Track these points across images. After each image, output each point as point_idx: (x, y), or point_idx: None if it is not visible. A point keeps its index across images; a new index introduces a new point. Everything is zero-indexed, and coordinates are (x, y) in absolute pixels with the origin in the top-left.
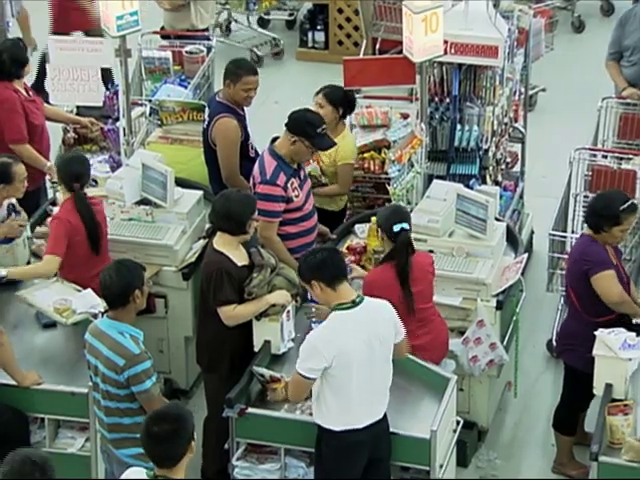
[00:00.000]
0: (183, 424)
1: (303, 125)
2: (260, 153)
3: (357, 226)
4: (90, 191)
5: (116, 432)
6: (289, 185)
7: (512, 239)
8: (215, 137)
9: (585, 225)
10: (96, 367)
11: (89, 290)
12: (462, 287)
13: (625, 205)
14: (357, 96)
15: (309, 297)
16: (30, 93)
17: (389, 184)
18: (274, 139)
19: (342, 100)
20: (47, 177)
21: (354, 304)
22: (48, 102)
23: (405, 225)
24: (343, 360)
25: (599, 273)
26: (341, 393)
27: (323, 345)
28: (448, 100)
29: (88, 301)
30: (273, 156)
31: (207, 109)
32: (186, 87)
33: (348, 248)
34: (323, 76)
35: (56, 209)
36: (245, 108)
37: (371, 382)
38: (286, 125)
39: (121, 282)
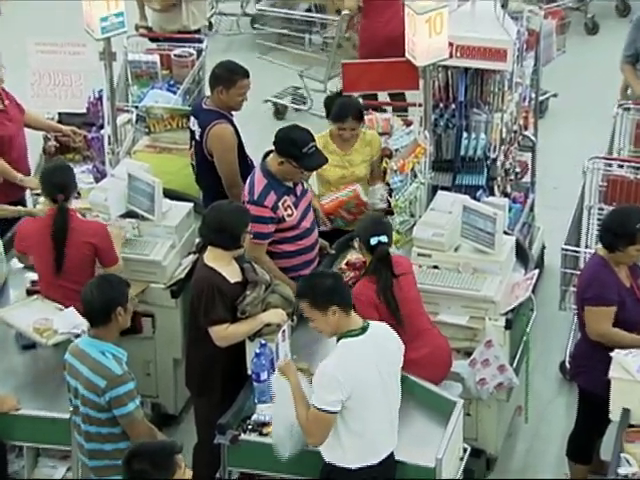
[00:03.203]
0: (164, 466)
1: (287, 145)
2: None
3: (356, 240)
4: (72, 203)
5: (97, 459)
6: (280, 204)
7: (522, 254)
8: (212, 146)
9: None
10: (76, 389)
11: (71, 309)
12: (469, 305)
13: None
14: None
15: None
16: (5, 103)
17: (391, 195)
18: (267, 153)
19: None
20: (28, 189)
21: (363, 330)
22: None
23: (383, 238)
24: (360, 390)
25: (594, 307)
26: (358, 426)
27: (342, 375)
28: (454, 106)
29: (70, 320)
30: (264, 174)
31: (193, 119)
32: (175, 92)
33: (347, 264)
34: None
35: None
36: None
37: (387, 409)
38: (273, 144)
39: (103, 298)
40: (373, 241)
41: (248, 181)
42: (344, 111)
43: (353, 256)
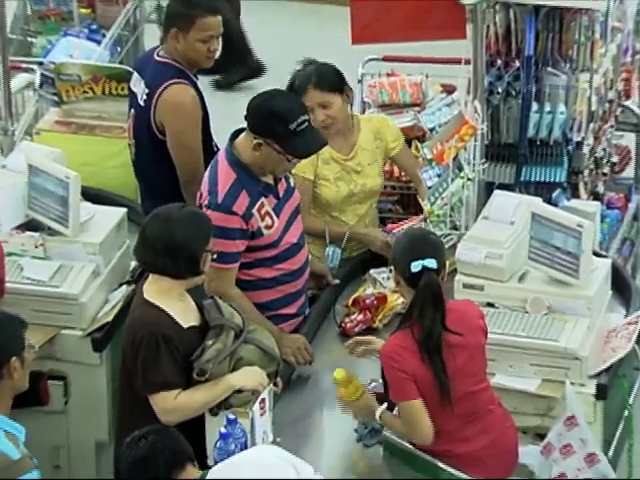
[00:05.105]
0: None
1: (266, 120)
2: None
3: (374, 271)
4: None
5: None
6: (255, 211)
7: (621, 286)
8: (163, 117)
9: None
10: None
11: None
12: (541, 363)
13: None
14: (375, 56)
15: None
16: None
17: (423, 197)
18: (236, 133)
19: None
20: None
21: None
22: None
23: (430, 262)
24: None
25: None
26: None
27: None
28: (518, 64)
29: None
30: (232, 164)
31: (136, 75)
32: (99, 42)
33: (355, 301)
34: (320, 25)
35: None
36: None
37: None
38: (245, 119)
39: None
40: (415, 267)
41: (207, 174)
42: (302, 79)
43: (367, 290)
